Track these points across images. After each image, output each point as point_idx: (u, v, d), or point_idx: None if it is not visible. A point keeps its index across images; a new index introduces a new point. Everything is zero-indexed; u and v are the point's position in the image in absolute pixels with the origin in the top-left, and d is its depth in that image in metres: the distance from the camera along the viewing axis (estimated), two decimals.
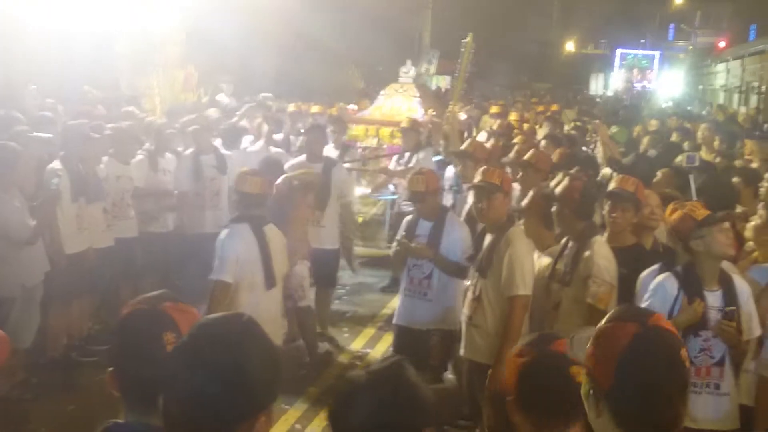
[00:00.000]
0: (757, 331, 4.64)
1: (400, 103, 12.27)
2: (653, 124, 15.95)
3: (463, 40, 10.79)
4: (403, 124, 10.35)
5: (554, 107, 20.61)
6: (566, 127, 12.22)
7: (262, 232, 6.08)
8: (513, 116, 13.54)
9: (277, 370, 2.00)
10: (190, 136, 8.91)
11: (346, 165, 10.28)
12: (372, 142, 11.82)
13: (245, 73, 20.29)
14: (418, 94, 12.49)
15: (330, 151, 9.86)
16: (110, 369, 2.34)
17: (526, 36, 47.56)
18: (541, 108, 21.47)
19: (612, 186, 5.64)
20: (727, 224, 4.73)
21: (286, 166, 8.50)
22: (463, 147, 8.36)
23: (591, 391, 2.11)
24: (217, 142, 9.10)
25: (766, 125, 12.52)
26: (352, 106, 12.82)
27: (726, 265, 4.78)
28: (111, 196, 7.96)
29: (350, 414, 2.05)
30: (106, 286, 7.86)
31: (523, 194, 6.28)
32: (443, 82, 35.50)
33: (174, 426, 1.90)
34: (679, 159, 7.00)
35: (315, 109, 13.99)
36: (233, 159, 8.79)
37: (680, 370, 2.05)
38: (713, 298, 4.59)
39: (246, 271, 5.99)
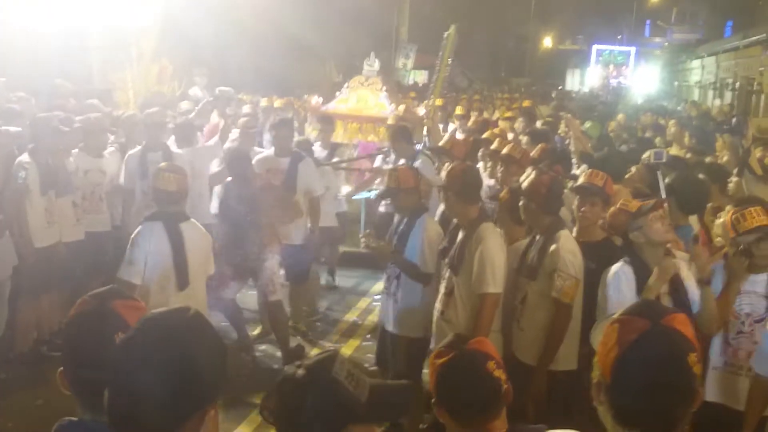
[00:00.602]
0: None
1: (367, 96, 11.78)
2: (620, 119, 16.05)
3: (445, 33, 10.59)
4: (390, 121, 10.16)
5: (526, 103, 20.67)
6: (538, 123, 12.19)
7: (177, 230, 5.86)
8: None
9: (224, 363, 1.98)
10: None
11: (342, 165, 10.19)
12: (342, 137, 11.48)
13: (221, 66, 20.17)
14: (384, 88, 12.05)
15: (318, 151, 9.81)
16: (60, 369, 2.31)
17: (503, 31, 47.71)
18: (515, 105, 21.56)
19: (581, 180, 5.68)
20: (660, 211, 4.79)
21: (254, 160, 8.48)
22: (441, 143, 8.39)
23: (596, 379, 2.09)
24: (171, 140, 8.80)
25: (734, 119, 12.55)
26: (316, 99, 12.29)
27: (680, 254, 4.89)
28: (81, 189, 7.90)
29: (283, 408, 2.06)
30: (76, 280, 7.80)
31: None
32: (420, 76, 35.52)
33: (120, 422, 1.87)
34: (647, 155, 7.01)
35: (278, 103, 13.92)
36: (184, 157, 8.29)
37: (683, 374, 1.99)
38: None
39: (156, 271, 5.80)
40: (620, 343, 2.00)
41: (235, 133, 10.28)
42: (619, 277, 4.74)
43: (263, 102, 13.53)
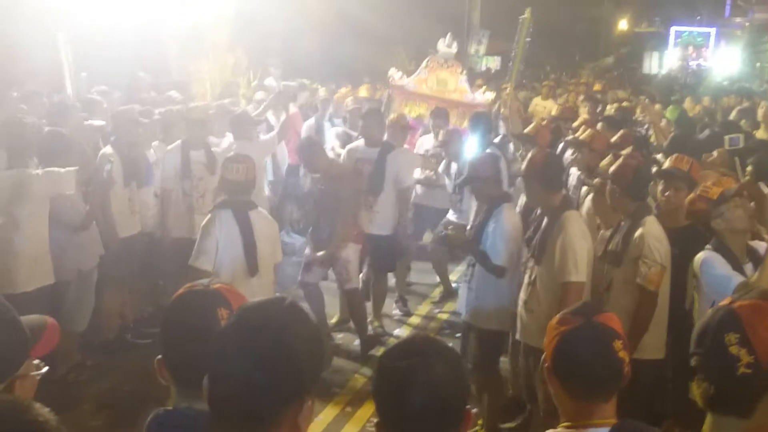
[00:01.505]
0: None
1: (447, 78, 11.23)
2: (706, 101, 15.61)
3: (520, 17, 10.27)
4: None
5: (597, 86, 20.28)
6: (609, 108, 11.88)
7: (246, 218, 5.95)
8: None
9: (321, 353, 2.00)
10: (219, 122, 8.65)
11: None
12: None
13: (291, 56, 20.30)
14: (463, 71, 11.68)
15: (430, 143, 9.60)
16: (159, 357, 2.34)
17: (577, 14, 46.85)
18: (583, 80, 21.19)
19: (666, 165, 5.55)
20: (743, 198, 4.64)
21: (344, 151, 8.59)
22: (526, 131, 8.25)
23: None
24: (228, 136, 8.62)
25: None
26: (400, 75, 11.69)
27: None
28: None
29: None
30: (157, 270, 7.94)
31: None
32: (493, 62, 35.14)
33: (219, 409, 1.90)
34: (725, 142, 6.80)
35: (364, 92, 13.82)
36: (239, 151, 7.87)
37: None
38: (748, 272, 4.54)
39: (227, 258, 5.89)
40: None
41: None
42: (711, 262, 4.61)
43: (322, 92, 13.39)
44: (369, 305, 8.31)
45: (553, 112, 11.42)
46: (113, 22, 12.11)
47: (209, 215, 6.06)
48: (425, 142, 9.84)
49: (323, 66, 22.14)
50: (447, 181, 8.85)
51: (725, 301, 2.22)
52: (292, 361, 1.88)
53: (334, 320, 8.33)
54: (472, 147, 8.38)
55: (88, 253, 6.84)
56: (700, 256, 4.69)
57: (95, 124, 7.66)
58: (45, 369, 2.26)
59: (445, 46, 11.33)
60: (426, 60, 11.45)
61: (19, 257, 5.99)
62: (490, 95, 11.48)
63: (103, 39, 11.68)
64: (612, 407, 2.54)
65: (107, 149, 7.34)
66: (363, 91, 13.90)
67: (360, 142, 8.51)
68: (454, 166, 8.74)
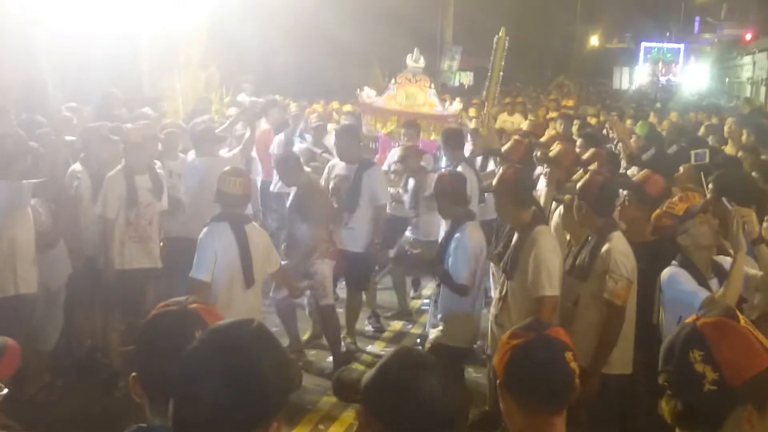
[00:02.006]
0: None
1: (416, 93, 11.38)
2: (673, 117, 15.79)
3: (495, 36, 10.38)
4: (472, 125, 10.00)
5: (570, 102, 20.45)
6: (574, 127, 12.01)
7: (242, 231, 6.08)
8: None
9: (288, 376, 1.99)
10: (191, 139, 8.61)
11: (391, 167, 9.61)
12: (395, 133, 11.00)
13: (266, 72, 20.29)
14: (431, 85, 11.69)
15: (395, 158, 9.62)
16: (133, 374, 2.34)
17: (549, 31, 47.28)
18: (552, 96, 21.38)
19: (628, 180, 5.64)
20: (707, 214, 4.69)
21: (326, 168, 8.59)
22: (503, 148, 8.30)
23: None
24: (190, 153, 8.50)
25: None
26: (367, 93, 11.81)
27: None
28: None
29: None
30: None
31: (548, 189, 6.23)
32: (466, 78, 35.38)
33: (184, 430, 1.89)
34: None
35: (347, 107, 13.92)
36: (200, 168, 8.09)
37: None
38: (714, 287, 4.57)
39: (225, 270, 6.01)
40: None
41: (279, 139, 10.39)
42: (676, 278, 4.65)
43: (293, 107, 13.47)
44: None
45: (524, 127, 11.50)
46: (86, 37, 12.05)
47: (206, 228, 6.14)
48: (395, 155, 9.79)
49: (298, 82, 22.15)
50: (405, 197, 8.94)
51: (690, 318, 2.25)
52: (258, 384, 1.87)
53: (305, 336, 8.30)
54: (443, 161, 8.45)
55: (56, 272, 6.77)
56: (666, 272, 4.73)
57: (65, 140, 7.59)
58: (4, 391, 2.24)
59: (413, 61, 11.43)
60: (394, 77, 11.61)
61: None
62: (458, 105, 11.65)
63: (75, 54, 11.63)
64: (562, 422, 2.55)
65: (76, 166, 7.28)
66: (347, 107, 13.99)
67: (337, 159, 8.51)
68: (411, 182, 8.82)
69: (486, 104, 10.03)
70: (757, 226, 4.51)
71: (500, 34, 10.10)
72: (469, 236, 6.00)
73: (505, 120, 17.22)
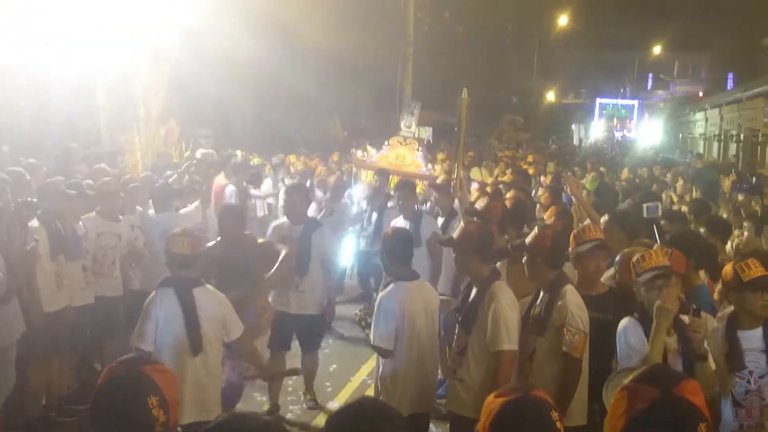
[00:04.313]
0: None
1: (405, 154, 13.10)
2: (625, 174, 16.14)
3: (461, 97, 10.64)
4: (439, 181, 10.32)
5: (530, 158, 20.81)
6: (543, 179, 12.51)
7: (188, 294, 5.70)
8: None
9: None
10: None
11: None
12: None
13: (225, 125, 20.34)
14: (419, 148, 13.44)
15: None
16: None
17: (507, 86, 48.10)
18: (507, 153, 21.83)
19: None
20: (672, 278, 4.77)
21: (270, 228, 8.43)
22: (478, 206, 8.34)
23: None
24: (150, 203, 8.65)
25: (754, 179, 12.45)
26: (362, 153, 13.91)
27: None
28: (92, 252, 7.89)
29: None
30: (85, 344, 7.77)
31: None
32: (425, 133, 35.72)
33: None
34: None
35: (299, 164, 14.33)
36: (160, 223, 8.12)
37: (549, 428, 2.13)
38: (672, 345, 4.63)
39: (167, 338, 5.66)
40: (630, 412, 2.03)
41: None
42: (627, 331, 4.73)
43: (256, 160, 14.08)
44: None
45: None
46: (41, 93, 12.02)
47: (151, 294, 5.85)
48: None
49: (258, 135, 22.23)
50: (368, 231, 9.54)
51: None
52: None
53: (265, 408, 8.02)
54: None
55: (8, 330, 6.63)
56: (622, 323, 4.81)
57: (27, 201, 7.52)
58: None
59: (405, 126, 13.31)
60: (388, 140, 13.42)
61: None
62: (439, 169, 13.57)
63: (31, 109, 11.58)
64: None
65: (33, 222, 7.22)
66: (299, 164, 14.37)
67: (284, 220, 8.34)
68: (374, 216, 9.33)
69: (456, 165, 10.26)
70: (704, 343, 4.50)
71: (463, 95, 10.33)
72: (390, 295, 5.94)
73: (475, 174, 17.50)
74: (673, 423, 1.98)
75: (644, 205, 7.08)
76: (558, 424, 2.52)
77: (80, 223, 7.80)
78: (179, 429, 2.42)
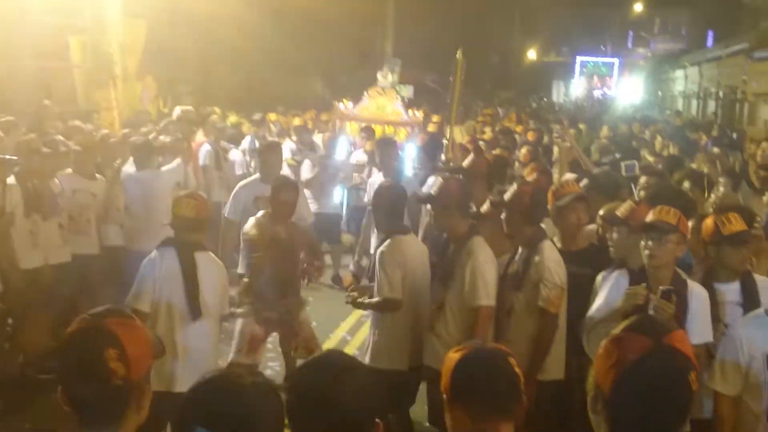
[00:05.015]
0: (708, 337, 4.54)
1: (385, 104, 13.57)
2: (605, 132, 16.16)
3: (456, 56, 10.55)
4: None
5: (513, 116, 20.83)
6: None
7: (190, 258, 5.50)
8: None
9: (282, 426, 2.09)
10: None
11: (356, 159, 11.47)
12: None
13: (205, 84, 20.14)
14: (399, 97, 13.94)
15: (361, 155, 11.64)
16: (60, 387, 2.35)
17: (488, 45, 47.83)
18: (488, 111, 21.86)
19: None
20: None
21: (237, 186, 8.13)
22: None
23: (594, 390, 2.13)
24: (130, 161, 8.55)
25: (734, 134, 12.50)
26: (344, 106, 13.91)
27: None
28: (68, 210, 7.83)
29: None
30: (63, 302, 7.74)
31: (475, 201, 6.22)
32: (406, 91, 35.52)
33: None
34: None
35: (297, 120, 14.25)
36: (142, 181, 8.17)
37: (684, 393, 2.04)
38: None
39: (164, 299, 5.48)
40: (622, 361, 2.04)
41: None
42: (619, 281, 4.73)
43: (232, 118, 14.06)
44: None
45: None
46: (16, 48, 11.82)
47: (151, 254, 5.61)
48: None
49: (237, 93, 22.05)
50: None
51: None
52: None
53: None
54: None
55: None
56: (614, 274, 4.82)
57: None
58: None
59: (383, 77, 13.68)
60: (369, 90, 13.75)
61: None
62: (419, 114, 14.03)
63: (3, 67, 11.41)
64: (510, 429, 2.58)
65: (10, 179, 7.16)
66: (297, 120, 14.38)
67: (255, 178, 8.14)
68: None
69: (450, 126, 10.24)
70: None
71: (458, 56, 10.21)
72: (390, 249, 5.79)
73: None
74: (666, 373, 2.02)
75: (622, 164, 7.12)
76: (516, 369, 2.58)
77: (56, 180, 7.73)
78: (149, 386, 2.41)
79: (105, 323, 2.31)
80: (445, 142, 10.08)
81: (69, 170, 7.94)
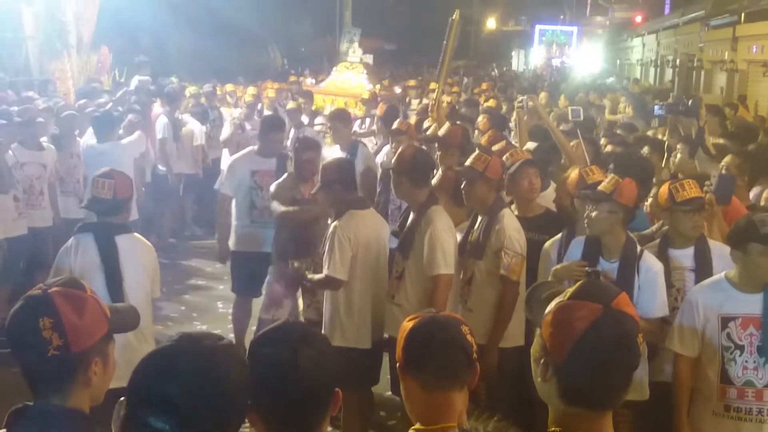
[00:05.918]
0: (659, 312, 4.60)
1: (350, 77, 14.64)
2: (561, 101, 16.21)
3: (450, 18, 10.32)
4: (364, 95, 12.04)
5: (484, 85, 20.79)
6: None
7: (110, 243, 5.12)
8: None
9: (247, 392, 2.08)
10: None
11: (317, 128, 11.23)
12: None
13: (160, 53, 19.85)
14: (365, 71, 14.93)
15: (303, 118, 11.52)
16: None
17: (448, 13, 47.70)
18: (450, 80, 21.73)
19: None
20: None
21: (232, 159, 7.93)
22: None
23: (542, 358, 2.09)
24: (89, 133, 8.48)
25: (690, 101, 12.58)
26: (311, 81, 15.19)
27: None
28: (21, 183, 7.72)
29: None
30: (19, 275, 7.65)
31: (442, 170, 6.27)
32: (366, 60, 35.37)
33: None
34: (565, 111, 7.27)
35: (272, 92, 14.05)
36: (105, 153, 8.03)
37: (632, 355, 2.05)
38: (609, 268, 4.62)
39: None
40: (574, 328, 2.01)
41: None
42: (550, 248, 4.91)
43: (191, 89, 13.91)
44: None
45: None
46: None
47: (69, 241, 5.23)
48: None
49: (194, 64, 21.78)
50: None
51: None
52: (220, 392, 1.97)
53: None
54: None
55: None
56: (575, 240, 4.88)
57: None
58: None
59: (351, 52, 15.36)
60: (337, 65, 15.11)
61: None
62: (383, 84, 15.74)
63: None
64: (464, 399, 2.60)
65: None
66: (271, 93, 14.03)
67: (251, 151, 7.79)
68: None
69: (436, 90, 10.04)
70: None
71: (454, 16, 9.95)
72: (342, 225, 5.63)
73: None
74: (618, 338, 2.01)
75: (569, 108, 7.23)
76: (468, 337, 2.59)
77: (10, 152, 7.61)
78: (104, 359, 2.40)
79: (48, 294, 2.30)
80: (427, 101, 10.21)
81: (15, 144, 7.81)
